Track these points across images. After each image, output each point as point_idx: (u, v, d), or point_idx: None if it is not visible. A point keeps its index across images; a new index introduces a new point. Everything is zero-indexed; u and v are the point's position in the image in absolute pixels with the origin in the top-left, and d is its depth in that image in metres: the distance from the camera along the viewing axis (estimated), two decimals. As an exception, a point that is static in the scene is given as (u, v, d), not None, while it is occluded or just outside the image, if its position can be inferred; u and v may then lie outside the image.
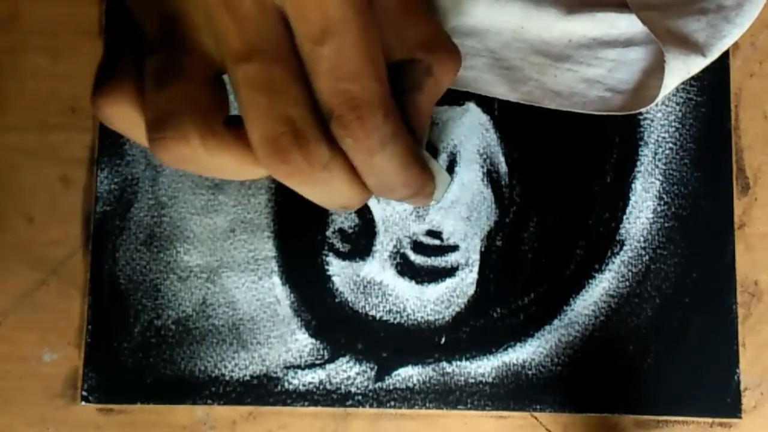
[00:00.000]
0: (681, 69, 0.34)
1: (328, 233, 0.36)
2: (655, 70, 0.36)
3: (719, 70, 0.37)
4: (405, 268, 0.36)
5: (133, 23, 0.21)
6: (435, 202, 0.27)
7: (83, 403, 0.35)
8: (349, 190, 0.22)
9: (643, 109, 0.36)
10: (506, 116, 0.37)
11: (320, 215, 0.36)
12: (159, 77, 0.20)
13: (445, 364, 0.36)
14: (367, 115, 0.20)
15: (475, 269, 0.36)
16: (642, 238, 0.37)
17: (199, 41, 0.20)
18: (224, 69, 0.21)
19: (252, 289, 0.36)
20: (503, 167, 0.37)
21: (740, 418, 0.36)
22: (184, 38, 0.20)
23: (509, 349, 0.36)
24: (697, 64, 0.34)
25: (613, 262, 0.36)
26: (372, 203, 0.36)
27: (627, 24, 0.36)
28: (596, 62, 0.36)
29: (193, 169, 0.21)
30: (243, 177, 0.22)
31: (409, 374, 0.36)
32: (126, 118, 0.21)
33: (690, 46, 0.34)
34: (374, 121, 0.20)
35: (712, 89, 0.37)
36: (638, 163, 0.37)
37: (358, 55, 0.19)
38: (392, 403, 0.35)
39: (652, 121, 0.37)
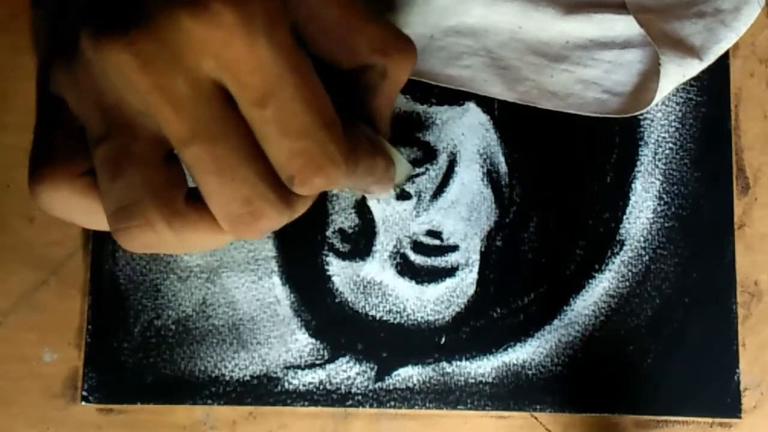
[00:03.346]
0: (677, 72, 0.34)
1: (328, 233, 0.36)
2: (652, 73, 0.36)
3: (719, 70, 0.37)
4: (405, 268, 0.36)
5: (68, 114, 0.20)
6: (395, 190, 0.28)
7: (83, 403, 0.35)
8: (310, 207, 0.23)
9: (639, 112, 0.36)
10: (506, 116, 0.37)
11: (320, 215, 0.36)
12: (111, 167, 0.19)
13: (445, 364, 0.36)
14: (324, 167, 0.20)
15: (475, 269, 0.36)
16: (642, 238, 0.37)
17: (143, 125, 0.19)
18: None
19: (252, 289, 0.36)
20: (503, 167, 0.37)
21: (740, 418, 0.36)
22: (128, 124, 0.19)
23: (509, 349, 0.36)
24: (693, 68, 0.34)
25: (613, 262, 0.36)
26: (372, 203, 0.36)
27: (624, 26, 0.36)
28: (593, 63, 0.36)
29: (163, 251, 0.21)
30: (214, 247, 0.21)
31: (409, 374, 0.36)
32: (68, 204, 0.21)
33: (686, 49, 0.34)
34: (333, 170, 0.20)
35: (712, 89, 0.37)
36: (638, 163, 0.37)
37: (304, 109, 0.19)
38: (392, 403, 0.35)
39: (652, 121, 0.37)
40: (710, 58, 0.35)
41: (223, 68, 0.18)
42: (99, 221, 0.21)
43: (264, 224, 0.20)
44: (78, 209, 0.21)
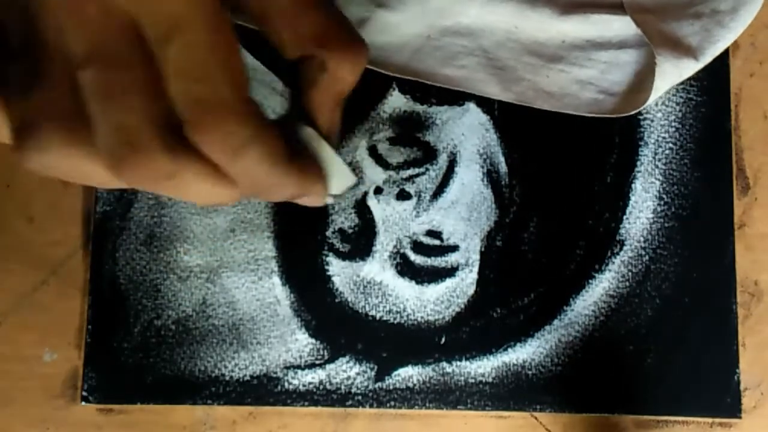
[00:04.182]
0: (673, 72, 0.34)
1: (328, 233, 0.36)
2: (648, 73, 0.36)
3: (719, 70, 0.37)
4: (405, 268, 0.36)
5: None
6: (333, 201, 0.27)
7: (83, 403, 0.35)
8: (210, 188, 0.21)
9: (640, 110, 0.36)
10: (506, 116, 0.37)
11: (320, 215, 0.36)
12: (22, 84, 0.19)
13: (445, 364, 0.36)
14: (218, 119, 0.19)
15: (475, 269, 0.36)
16: (642, 238, 0.37)
17: (58, 45, 0.19)
18: None
19: (252, 289, 0.36)
20: (503, 167, 0.37)
21: (740, 418, 0.36)
22: (45, 42, 0.19)
23: (509, 349, 0.36)
24: (689, 68, 0.34)
25: (613, 262, 0.36)
26: (372, 203, 0.36)
27: (621, 26, 0.36)
28: (589, 64, 0.36)
29: (59, 176, 0.21)
30: (112, 185, 0.21)
31: (409, 374, 0.36)
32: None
33: (683, 49, 0.34)
34: (227, 126, 0.19)
35: (712, 89, 0.37)
36: (638, 163, 0.37)
37: (207, 56, 0.19)
38: (392, 403, 0.35)
39: (652, 121, 0.37)
40: (707, 59, 0.35)
41: (135, 0, 0.18)
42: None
43: (140, 165, 0.19)
44: None
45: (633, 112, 0.36)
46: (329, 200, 0.25)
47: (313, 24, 0.22)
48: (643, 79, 0.36)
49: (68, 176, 0.20)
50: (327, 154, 0.24)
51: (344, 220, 0.36)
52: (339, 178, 0.25)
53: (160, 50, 0.19)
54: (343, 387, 0.36)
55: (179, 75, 0.19)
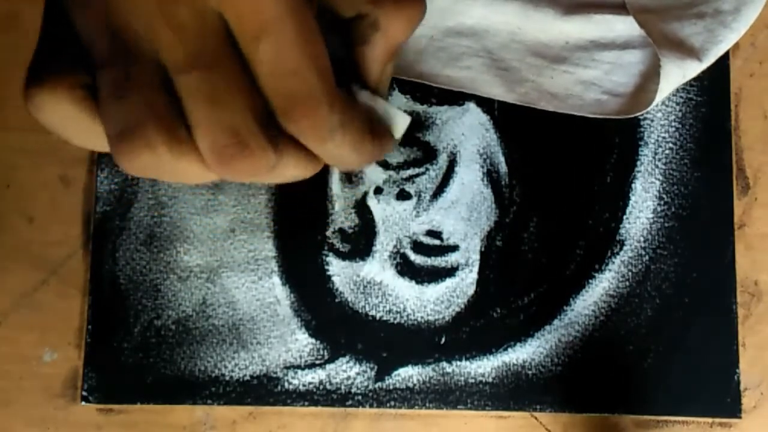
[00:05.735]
0: (677, 73, 0.34)
1: (328, 233, 0.36)
2: (652, 74, 0.36)
3: (719, 70, 0.37)
4: (405, 268, 0.36)
5: (74, 32, 0.21)
6: (397, 143, 0.28)
7: (83, 403, 0.35)
8: (302, 170, 0.23)
9: (639, 113, 0.36)
10: (506, 116, 0.37)
11: (320, 215, 0.36)
12: (116, 89, 0.20)
13: (445, 364, 0.36)
14: (311, 109, 0.20)
15: (475, 269, 0.36)
16: (642, 238, 0.37)
17: (147, 50, 0.20)
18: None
19: (252, 289, 0.36)
20: (503, 167, 0.37)
21: (740, 418, 0.36)
22: (133, 48, 0.20)
23: (509, 349, 0.36)
24: (692, 69, 0.34)
25: (613, 262, 0.36)
26: (372, 203, 0.36)
27: (624, 27, 0.36)
28: (593, 64, 0.36)
29: (155, 176, 0.22)
30: (203, 180, 0.22)
31: (409, 374, 0.36)
32: (63, 114, 0.21)
33: (686, 50, 0.34)
34: (319, 114, 0.20)
35: (712, 89, 0.37)
36: (638, 163, 0.37)
37: (297, 52, 0.20)
38: (392, 403, 0.35)
39: (652, 121, 0.37)
40: (710, 59, 0.35)
41: (224, 2, 0.19)
42: (90, 139, 0.22)
43: (248, 162, 0.20)
44: (72, 122, 0.22)
45: (638, 114, 0.36)
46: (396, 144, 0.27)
47: None
48: (647, 80, 0.36)
49: (163, 174, 0.21)
50: (384, 107, 0.25)
51: (344, 220, 0.36)
52: (398, 123, 0.26)
53: (251, 49, 0.20)
54: (343, 387, 0.36)
55: (271, 72, 0.20)
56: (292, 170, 0.22)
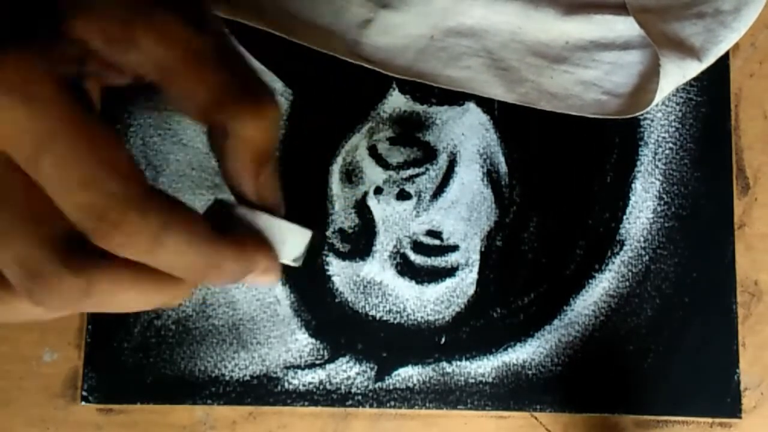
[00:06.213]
0: (676, 73, 0.34)
1: (328, 233, 0.36)
2: (652, 74, 0.36)
3: (719, 70, 0.37)
4: (405, 268, 0.36)
5: None
6: (297, 264, 0.25)
7: (83, 403, 0.35)
8: (150, 292, 0.20)
9: (639, 114, 0.36)
10: (506, 116, 0.37)
11: (320, 215, 0.36)
12: None
13: (445, 364, 0.36)
14: (116, 220, 0.18)
15: (475, 269, 0.36)
16: (642, 238, 0.37)
17: None
18: None
19: (252, 289, 0.36)
20: (503, 167, 0.37)
21: (740, 418, 0.36)
22: None
23: (509, 349, 0.36)
24: (692, 69, 0.34)
25: (613, 262, 0.36)
26: (372, 203, 0.36)
27: (624, 27, 0.36)
28: (593, 65, 0.36)
29: (12, 320, 0.20)
30: (76, 310, 0.20)
31: (409, 374, 0.36)
32: None
33: (686, 50, 0.34)
34: (128, 223, 0.18)
35: (712, 89, 0.37)
36: (638, 163, 0.37)
37: (84, 161, 0.18)
38: (392, 403, 0.35)
39: (652, 121, 0.37)
40: (710, 59, 0.35)
41: None
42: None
43: (55, 293, 0.18)
44: None
45: (637, 114, 0.36)
46: (294, 264, 0.24)
47: (209, 86, 0.20)
48: (647, 80, 0.36)
49: (20, 316, 0.20)
50: (266, 223, 0.22)
51: (344, 220, 0.36)
52: (291, 241, 0.23)
53: (33, 171, 0.18)
54: (343, 387, 0.36)
55: (60, 189, 0.18)
56: (122, 292, 0.19)
